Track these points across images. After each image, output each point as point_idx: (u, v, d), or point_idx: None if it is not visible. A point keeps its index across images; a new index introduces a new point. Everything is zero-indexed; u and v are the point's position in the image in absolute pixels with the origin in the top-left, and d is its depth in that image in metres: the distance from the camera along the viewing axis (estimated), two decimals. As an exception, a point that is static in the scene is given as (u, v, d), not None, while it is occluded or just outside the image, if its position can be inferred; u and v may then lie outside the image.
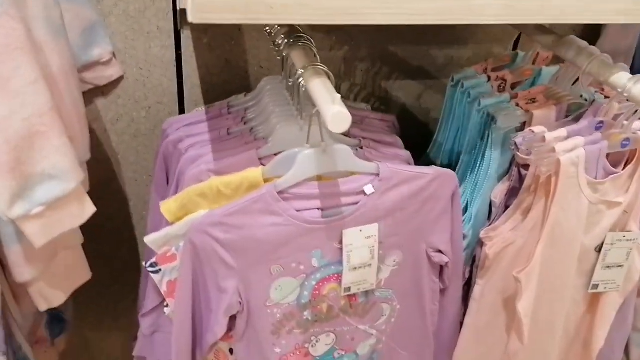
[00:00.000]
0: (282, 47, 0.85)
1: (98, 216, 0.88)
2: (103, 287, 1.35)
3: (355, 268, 0.90)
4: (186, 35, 1.11)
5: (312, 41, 0.86)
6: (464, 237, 0.98)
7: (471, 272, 1.03)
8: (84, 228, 1.22)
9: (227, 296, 0.86)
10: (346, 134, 0.96)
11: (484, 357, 1.01)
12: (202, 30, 1.12)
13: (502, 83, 1.03)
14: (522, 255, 0.91)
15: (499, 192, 0.96)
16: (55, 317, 1.24)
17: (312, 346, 0.95)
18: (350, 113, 1.04)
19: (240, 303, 0.88)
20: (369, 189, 0.86)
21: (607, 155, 0.90)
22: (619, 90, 0.81)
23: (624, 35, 1.21)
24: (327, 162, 0.82)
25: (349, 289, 0.92)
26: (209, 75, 1.16)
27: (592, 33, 1.26)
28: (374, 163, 0.86)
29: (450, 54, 1.28)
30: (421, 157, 1.12)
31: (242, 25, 1.12)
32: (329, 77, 0.77)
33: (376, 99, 1.29)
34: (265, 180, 0.84)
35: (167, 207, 0.83)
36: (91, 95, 1.13)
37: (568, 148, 0.82)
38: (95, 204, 0.86)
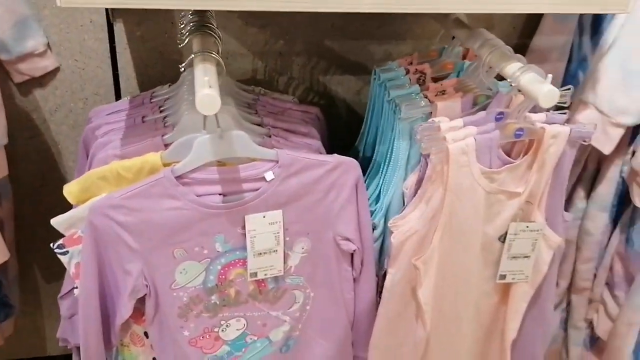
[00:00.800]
0: (185, 35, 0.88)
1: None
2: (51, 275, 1.39)
3: (260, 254, 0.92)
4: (119, 28, 1.15)
5: (217, 32, 0.89)
6: (375, 226, 1.00)
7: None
8: (24, 216, 1.27)
9: (132, 278, 0.89)
10: (258, 123, 0.99)
11: (397, 348, 1.02)
12: (135, 23, 1.15)
13: (421, 76, 1.05)
14: (424, 244, 0.92)
15: (409, 183, 0.97)
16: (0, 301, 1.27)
17: (222, 330, 0.97)
18: (271, 104, 1.08)
19: (146, 286, 0.90)
20: (269, 175, 0.88)
21: (512, 146, 0.91)
22: (509, 79, 0.82)
23: (559, 30, 1.22)
24: (224, 148, 0.85)
25: (255, 274, 0.94)
26: (144, 67, 1.19)
27: (531, 30, 1.27)
28: (273, 150, 0.88)
29: (389, 49, 1.30)
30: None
31: (174, 18, 1.15)
32: (218, 64, 0.79)
33: (315, 93, 1.31)
34: (165, 165, 0.86)
35: (69, 189, 0.86)
36: (29, 86, 1.17)
37: (458, 137, 0.84)
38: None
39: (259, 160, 0.88)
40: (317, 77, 1.29)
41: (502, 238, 0.94)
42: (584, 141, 0.90)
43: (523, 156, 0.90)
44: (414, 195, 0.96)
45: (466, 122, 0.87)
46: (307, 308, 1.02)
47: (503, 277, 0.97)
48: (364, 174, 0.98)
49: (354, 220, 0.95)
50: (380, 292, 1.04)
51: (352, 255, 0.99)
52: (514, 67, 0.82)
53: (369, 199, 1.00)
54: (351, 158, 0.92)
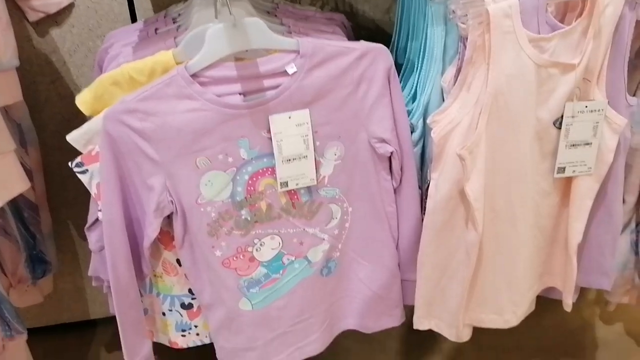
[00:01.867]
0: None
1: (68, 153, 0.85)
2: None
3: (289, 160, 0.85)
4: (132, -43, 1.10)
5: None
6: (414, 128, 0.91)
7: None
8: (52, 167, 1.23)
9: (155, 194, 0.83)
10: (277, 23, 0.92)
11: (448, 261, 0.93)
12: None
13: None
14: (469, 134, 0.83)
15: (448, 77, 0.88)
16: (35, 257, 1.25)
17: (257, 250, 0.90)
18: (291, 11, 1.01)
19: (172, 202, 0.85)
20: (290, 68, 0.81)
21: (564, 11, 0.81)
22: None
23: None
24: (239, 38, 0.78)
25: (285, 183, 0.87)
26: (161, -1, 1.14)
27: None
28: (293, 38, 0.81)
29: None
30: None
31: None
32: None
33: (341, 12, 1.23)
34: (178, 64, 0.80)
35: (82, 98, 0.81)
36: (45, 25, 1.13)
37: (499, -2, 0.74)
38: (63, 141, 0.84)
39: (278, 51, 0.81)
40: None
41: (558, 123, 0.84)
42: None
43: (576, 20, 0.79)
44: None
45: (507, -14, 0.77)
46: (346, 225, 0.94)
47: (562, 169, 0.87)
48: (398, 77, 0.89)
49: (388, 117, 0.87)
50: (425, 207, 0.96)
51: (390, 161, 0.91)
52: None
53: (404, 100, 0.91)
54: (380, 44, 0.84)
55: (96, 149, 0.84)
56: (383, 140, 0.88)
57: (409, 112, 0.91)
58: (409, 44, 0.95)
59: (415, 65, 0.92)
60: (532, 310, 1.02)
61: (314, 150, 0.86)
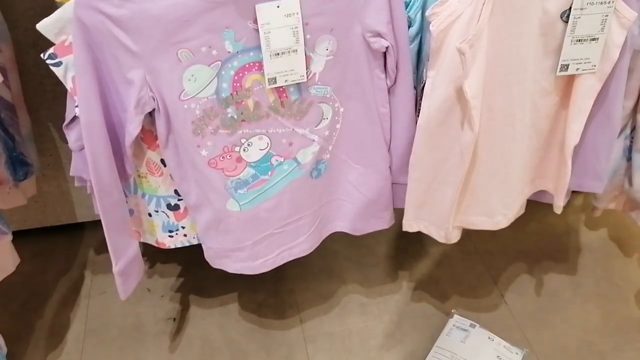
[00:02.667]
0: None
1: (44, 51, 0.78)
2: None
3: (278, 54, 0.80)
4: None
5: None
6: (411, 22, 0.86)
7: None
8: (29, 67, 1.16)
9: (135, 89, 0.79)
10: None
11: (441, 164, 0.91)
12: None
13: None
14: (470, 27, 0.78)
15: (450, -36, 0.81)
16: (16, 159, 1.21)
17: (244, 150, 0.87)
18: None
19: (153, 99, 0.80)
20: (280, -52, 0.74)
21: None
22: None
23: None
24: None
25: (274, 79, 0.82)
26: None
27: None
28: None
29: None
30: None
31: None
32: None
33: None
34: (156, -58, 0.72)
35: (49, -20, 0.74)
36: None
37: None
38: (39, 37, 0.76)
39: None
40: None
41: (566, 16, 0.79)
42: None
43: None
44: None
45: None
46: (337, 127, 0.91)
47: (565, 67, 0.83)
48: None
49: (385, 9, 0.81)
50: (419, 108, 0.92)
51: (384, 58, 0.86)
52: None
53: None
54: None
55: (69, 39, 0.78)
56: (378, 34, 0.82)
57: (406, 5, 0.84)
58: None
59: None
60: (522, 213, 1.01)
61: (304, 44, 0.80)
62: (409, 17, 0.84)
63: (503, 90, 0.82)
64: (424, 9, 0.85)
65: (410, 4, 0.85)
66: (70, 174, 0.98)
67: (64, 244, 1.44)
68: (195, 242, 1.01)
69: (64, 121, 0.87)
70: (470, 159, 0.85)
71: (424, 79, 0.91)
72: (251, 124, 0.85)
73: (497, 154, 0.88)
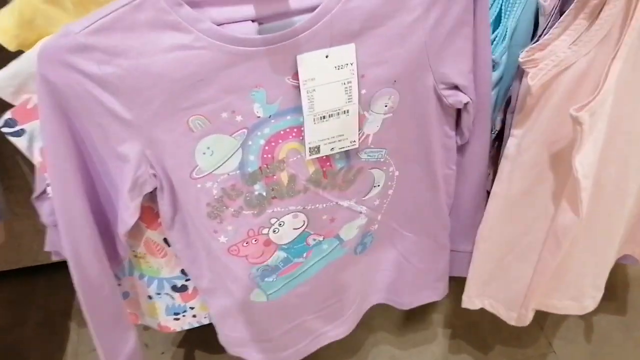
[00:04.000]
0: None
1: None
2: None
3: (324, 117, 0.59)
4: None
5: None
6: (495, 65, 0.65)
7: (504, 122, 0.71)
8: None
9: (131, 167, 0.58)
10: None
11: (521, 237, 0.72)
12: None
13: None
14: (585, 85, 0.57)
15: (552, -10, 0.60)
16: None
17: (274, 232, 0.67)
18: None
19: (154, 176, 0.59)
20: (332, -18, 0.52)
21: None
22: None
23: None
24: None
25: (316, 149, 0.61)
26: None
27: None
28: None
29: None
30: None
31: None
32: None
33: None
34: (156, -27, 0.50)
35: (0, 24, 0.51)
36: None
37: None
38: None
39: (314, -45, 0.52)
40: None
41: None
42: None
43: None
44: (559, 12, 0.60)
45: None
46: (389, 193, 0.71)
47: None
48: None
49: (466, 54, 0.60)
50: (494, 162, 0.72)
51: (457, 112, 0.65)
52: None
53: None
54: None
55: (34, 99, 0.56)
56: (455, 87, 0.62)
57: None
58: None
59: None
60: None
61: (360, 101, 0.60)
62: (492, 59, 0.64)
63: (618, 162, 0.63)
64: (510, 49, 0.64)
65: (495, 42, 0.64)
66: (46, 249, 0.78)
67: (44, 288, 1.24)
68: (206, 322, 0.82)
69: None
70: (568, 245, 0.66)
71: (495, 127, 0.71)
72: (284, 202, 0.65)
73: (599, 233, 0.69)
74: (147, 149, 0.57)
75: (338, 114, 0.59)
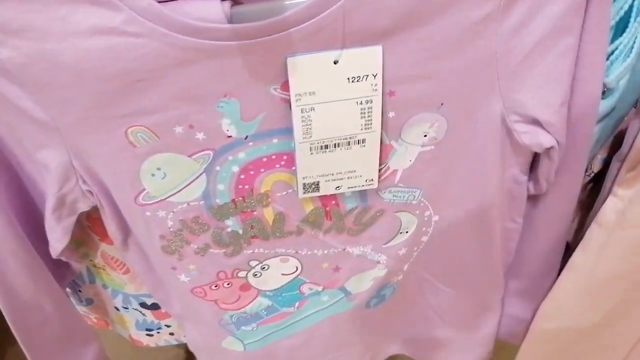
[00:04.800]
0: None
1: None
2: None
3: (326, 146, 0.40)
4: None
5: None
6: (608, 92, 0.42)
7: (607, 163, 0.49)
8: None
9: (52, 179, 0.42)
10: None
11: (598, 331, 0.51)
12: None
13: None
14: None
15: None
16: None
17: (255, 275, 0.50)
18: None
19: (90, 192, 0.43)
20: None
21: None
22: None
23: None
24: None
25: (314, 186, 0.42)
26: None
27: None
28: None
29: None
30: None
31: None
32: None
33: None
34: None
35: None
36: None
37: None
38: None
39: None
40: None
41: None
42: None
43: None
44: None
45: None
46: (422, 239, 0.52)
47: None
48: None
49: (564, 78, 0.38)
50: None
51: (534, 155, 0.44)
52: None
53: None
54: None
55: None
56: (536, 123, 0.40)
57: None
58: None
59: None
60: None
61: (385, 127, 0.40)
62: (605, 85, 0.41)
63: None
64: (635, 68, 0.41)
65: (613, 57, 0.41)
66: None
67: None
68: (185, 340, 0.68)
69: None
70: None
71: (593, 169, 0.50)
72: (269, 242, 0.47)
73: None
74: (74, 159, 0.41)
75: (349, 143, 0.40)
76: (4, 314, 0.51)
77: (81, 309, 0.64)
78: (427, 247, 0.53)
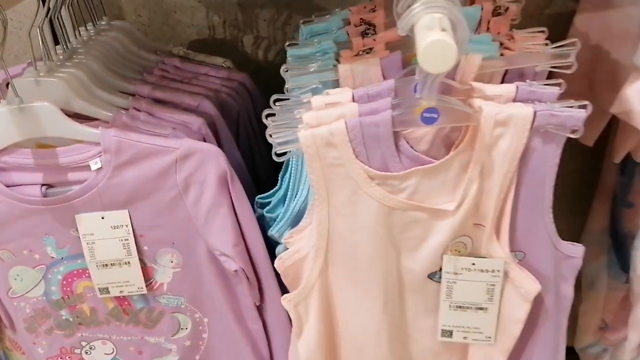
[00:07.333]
0: None
1: None
2: None
3: (106, 265, 0.70)
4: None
5: None
6: (281, 241, 0.71)
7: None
8: None
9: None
10: (129, 92, 0.75)
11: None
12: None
13: (368, 29, 0.72)
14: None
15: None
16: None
17: (86, 352, 0.78)
18: (179, 68, 0.84)
19: (-10, 292, 0.74)
20: (94, 164, 0.65)
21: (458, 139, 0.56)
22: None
23: None
24: (29, 124, 0.63)
25: (106, 289, 0.72)
26: None
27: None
28: (96, 129, 0.64)
29: None
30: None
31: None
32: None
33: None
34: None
35: None
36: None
37: (326, 119, 0.52)
38: None
39: (83, 142, 0.65)
40: (290, 34, 1.01)
41: (437, 276, 0.60)
42: (572, 132, 0.52)
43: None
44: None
45: (359, 95, 0.54)
46: (203, 336, 0.78)
47: (448, 333, 0.63)
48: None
49: (229, 230, 0.68)
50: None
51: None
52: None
53: (273, 197, 0.71)
54: (211, 145, 0.65)
55: None
56: (225, 255, 0.69)
57: (274, 220, 0.71)
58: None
59: (290, 160, 0.71)
60: None
61: (144, 255, 0.70)
62: (272, 235, 0.71)
63: (360, 352, 0.64)
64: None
65: (279, 219, 0.71)
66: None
67: None
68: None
69: None
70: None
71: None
72: (90, 329, 0.76)
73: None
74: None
75: (120, 264, 0.70)
76: None
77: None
78: (210, 341, 0.78)
